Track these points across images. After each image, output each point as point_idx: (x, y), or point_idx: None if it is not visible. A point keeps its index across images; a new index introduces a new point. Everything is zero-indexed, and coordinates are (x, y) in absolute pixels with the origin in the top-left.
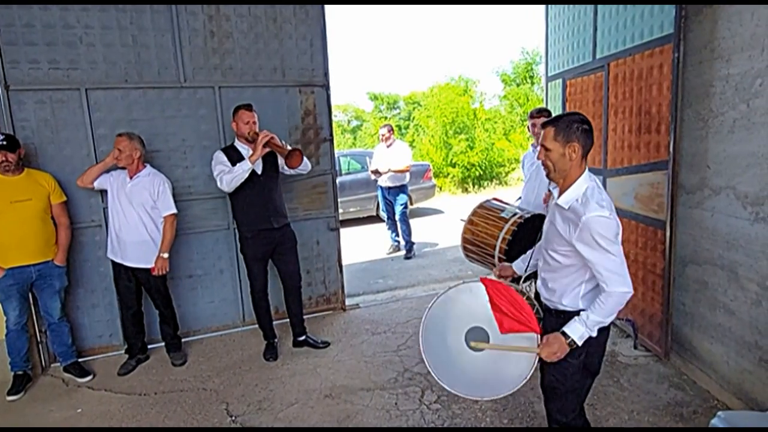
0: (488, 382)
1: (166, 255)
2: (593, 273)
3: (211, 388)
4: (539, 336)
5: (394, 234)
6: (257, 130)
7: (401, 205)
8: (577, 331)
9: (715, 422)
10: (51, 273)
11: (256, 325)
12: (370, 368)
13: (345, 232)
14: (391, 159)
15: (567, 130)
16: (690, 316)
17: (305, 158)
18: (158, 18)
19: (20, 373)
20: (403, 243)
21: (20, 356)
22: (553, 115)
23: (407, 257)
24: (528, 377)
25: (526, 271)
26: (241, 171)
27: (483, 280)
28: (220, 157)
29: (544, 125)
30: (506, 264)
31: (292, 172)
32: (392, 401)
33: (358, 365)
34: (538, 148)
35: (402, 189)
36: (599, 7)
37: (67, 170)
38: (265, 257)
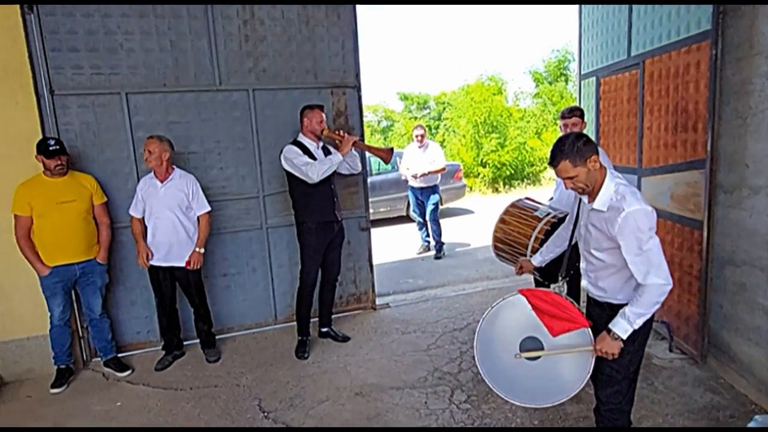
0: (551, 388)
1: (201, 250)
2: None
3: (244, 385)
4: (590, 329)
5: (424, 234)
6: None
7: (433, 204)
8: (621, 327)
9: (752, 425)
10: (93, 270)
11: (288, 324)
12: (399, 367)
13: (375, 232)
14: (426, 160)
15: (578, 153)
16: (727, 318)
17: (357, 157)
18: (195, 23)
19: (63, 367)
20: (433, 243)
21: (63, 351)
22: (584, 113)
23: (437, 257)
24: (589, 375)
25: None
26: (334, 163)
27: (521, 291)
28: (296, 149)
29: (553, 165)
30: (525, 258)
31: (345, 171)
32: (422, 400)
33: (388, 364)
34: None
35: (434, 189)
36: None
37: (108, 172)
38: (322, 250)
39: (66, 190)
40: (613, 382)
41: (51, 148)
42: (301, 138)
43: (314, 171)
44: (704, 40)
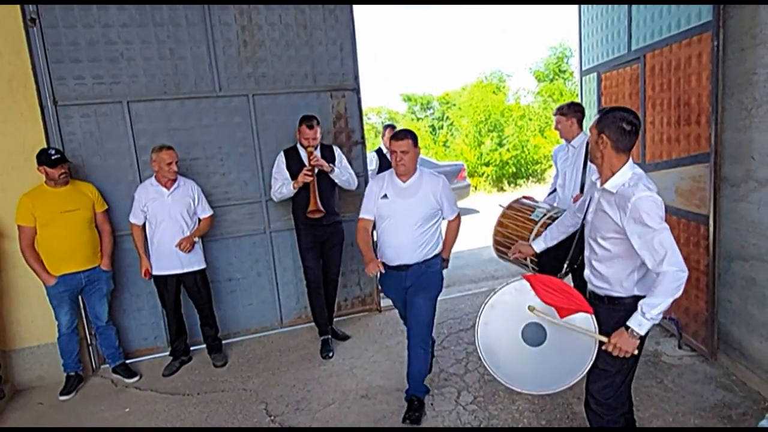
0: (551, 376)
1: (195, 239)
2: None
3: (251, 389)
4: (592, 316)
5: None
6: (315, 145)
7: None
8: (636, 321)
9: (764, 423)
10: (99, 278)
11: (294, 327)
12: (405, 369)
13: None
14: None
15: (604, 122)
16: (737, 314)
17: (353, 175)
18: (193, 30)
19: (72, 374)
20: None
21: (72, 358)
22: (581, 108)
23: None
24: (591, 363)
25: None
26: (286, 192)
27: (526, 277)
28: (279, 162)
29: (598, 111)
30: (523, 242)
31: (344, 186)
32: (428, 402)
33: (393, 366)
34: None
35: None
36: None
37: (111, 180)
38: (316, 248)
39: (69, 200)
40: (605, 376)
41: (53, 157)
42: (299, 145)
43: (274, 192)
44: (705, 32)
